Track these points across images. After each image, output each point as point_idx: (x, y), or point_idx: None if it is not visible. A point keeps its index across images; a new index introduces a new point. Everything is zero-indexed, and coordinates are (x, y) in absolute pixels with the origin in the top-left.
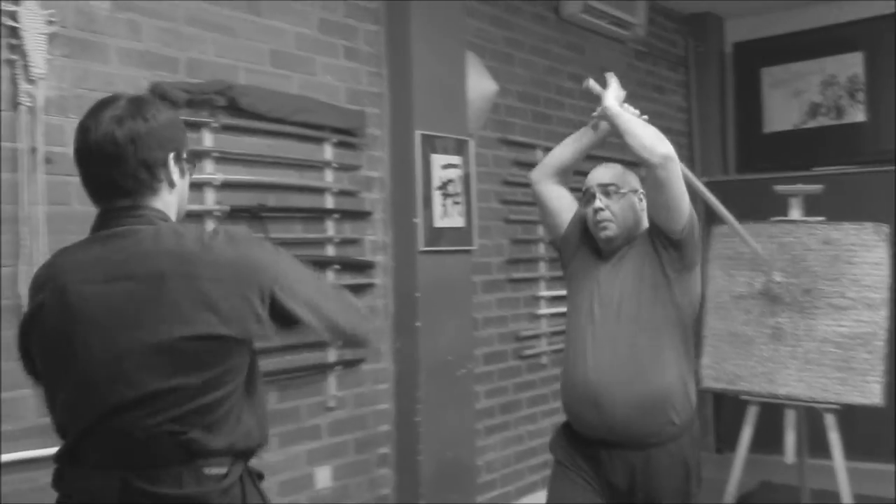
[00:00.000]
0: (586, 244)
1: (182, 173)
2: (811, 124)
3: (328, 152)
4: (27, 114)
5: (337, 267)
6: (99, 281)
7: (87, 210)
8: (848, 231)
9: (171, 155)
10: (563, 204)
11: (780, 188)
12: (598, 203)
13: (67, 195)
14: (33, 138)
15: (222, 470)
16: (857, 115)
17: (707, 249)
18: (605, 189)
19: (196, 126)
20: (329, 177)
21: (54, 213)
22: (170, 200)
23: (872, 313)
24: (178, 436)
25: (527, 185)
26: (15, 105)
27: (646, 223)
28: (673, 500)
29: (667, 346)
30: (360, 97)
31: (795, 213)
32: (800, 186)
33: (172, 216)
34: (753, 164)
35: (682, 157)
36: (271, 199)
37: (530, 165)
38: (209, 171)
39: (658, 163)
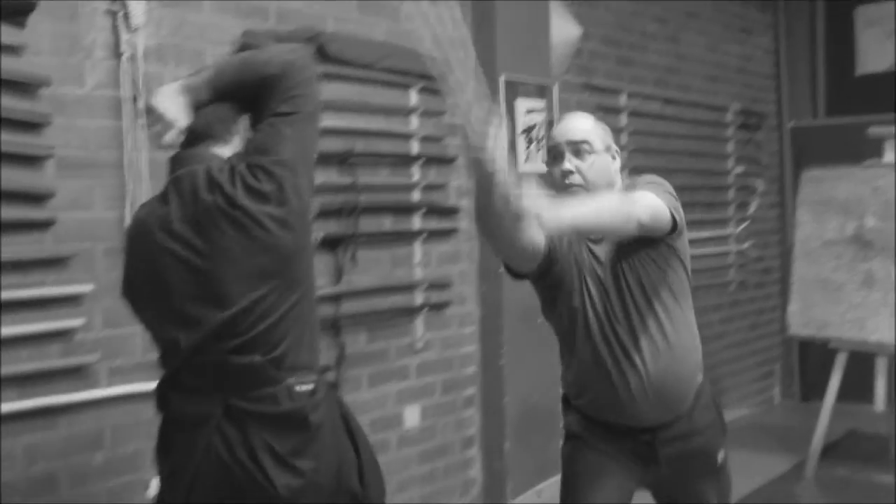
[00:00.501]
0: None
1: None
2: None
3: (413, 98)
4: (128, 62)
5: (422, 211)
6: (178, 219)
7: None
8: None
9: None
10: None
11: (873, 130)
12: (567, 165)
13: None
14: (134, 86)
15: (310, 386)
16: None
17: (796, 194)
18: (577, 147)
19: None
20: (414, 123)
21: (156, 159)
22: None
23: None
24: (267, 355)
25: (613, 129)
26: (117, 54)
27: (619, 183)
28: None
29: (685, 308)
30: (443, 43)
31: (890, 155)
32: (894, 128)
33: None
34: (844, 108)
35: (768, 101)
36: (359, 145)
37: (614, 111)
38: None
39: (636, 230)
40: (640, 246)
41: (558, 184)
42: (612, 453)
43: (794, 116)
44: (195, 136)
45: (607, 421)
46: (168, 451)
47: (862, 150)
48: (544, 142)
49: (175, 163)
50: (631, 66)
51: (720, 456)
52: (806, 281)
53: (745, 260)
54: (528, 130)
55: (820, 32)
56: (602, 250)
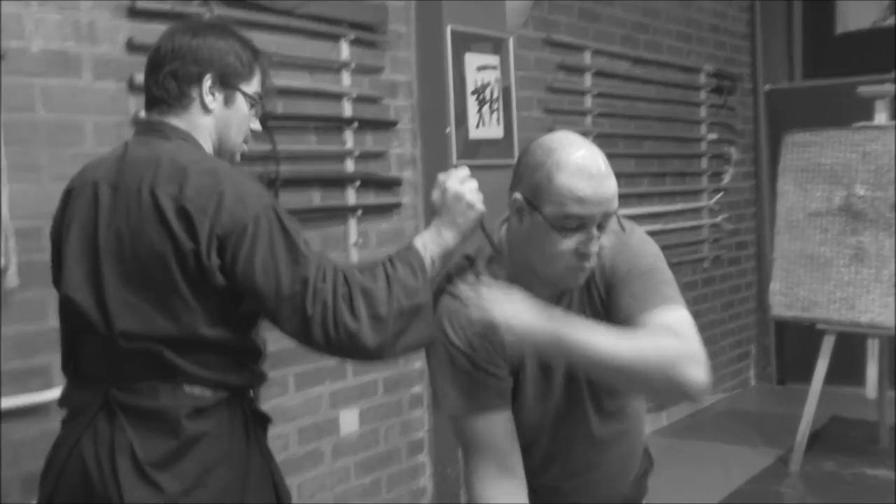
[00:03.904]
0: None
1: (226, 102)
2: (892, 21)
3: (345, 51)
4: None
5: (357, 184)
6: (110, 184)
7: (53, 118)
8: None
9: (209, 76)
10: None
11: (863, 90)
12: (593, 246)
13: (31, 100)
14: None
15: (205, 391)
16: None
17: (773, 162)
18: (608, 217)
19: (183, 17)
20: (346, 80)
21: (14, 121)
22: (200, 123)
23: None
24: (159, 355)
25: (576, 91)
26: None
27: None
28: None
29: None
30: None
31: (881, 117)
32: (887, 87)
33: (202, 140)
34: (824, 69)
35: (741, 64)
36: (279, 106)
37: (578, 70)
38: None
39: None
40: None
41: (561, 263)
42: None
43: (770, 79)
44: (148, 101)
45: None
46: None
47: (844, 114)
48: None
49: (136, 128)
50: (596, 20)
51: None
52: (789, 257)
53: (720, 234)
54: (480, 91)
55: None
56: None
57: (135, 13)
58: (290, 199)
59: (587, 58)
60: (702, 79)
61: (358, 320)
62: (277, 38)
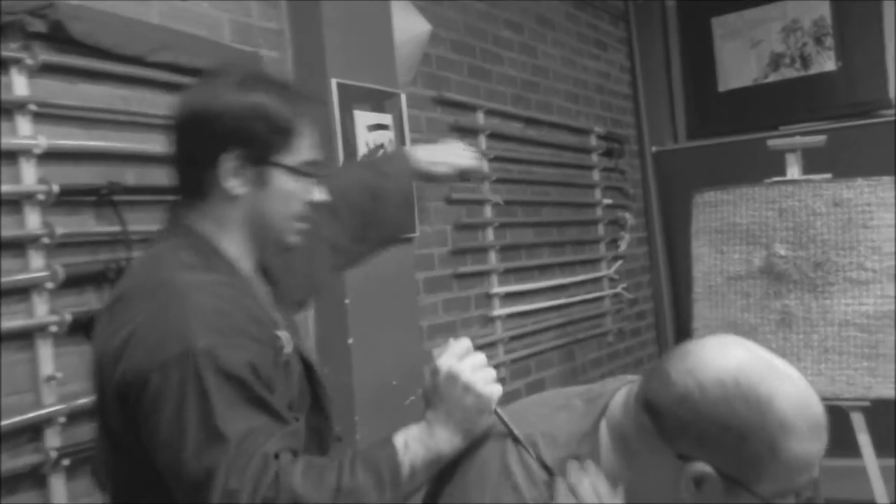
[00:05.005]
0: None
1: (258, 182)
2: (774, 78)
3: None
4: None
5: None
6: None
7: None
8: (862, 188)
9: (233, 154)
10: None
11: (774, 143)
12: None
13: None
14: None
15: None
16: (826, 63)
17: (690, 222)
18: None
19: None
20: None
21: None
22: (226, 215)
23: None
24: None
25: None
26: None
27: None
28: None
29: None
30: (251, 34)
31: (794, 171)
32: (798, 139)
33: (230, 236)
34: (709, 128)
35: (627, 126)
36: (129, 176)
37: (472, 132)
38: (24, 132)
39: None
40: None
41: None
42: None
43: (656, 140)
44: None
45: None
46: None
47: (738, 172)
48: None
49: None
50: (486, 79)
51: None
52: (711, 325)
53: (621, 305)
54: (373, 153)
55: (675, 48)
56: None
57: None
58: None
59: (480, 118)
60: (593, 141)
61: None
62: (124, 92)
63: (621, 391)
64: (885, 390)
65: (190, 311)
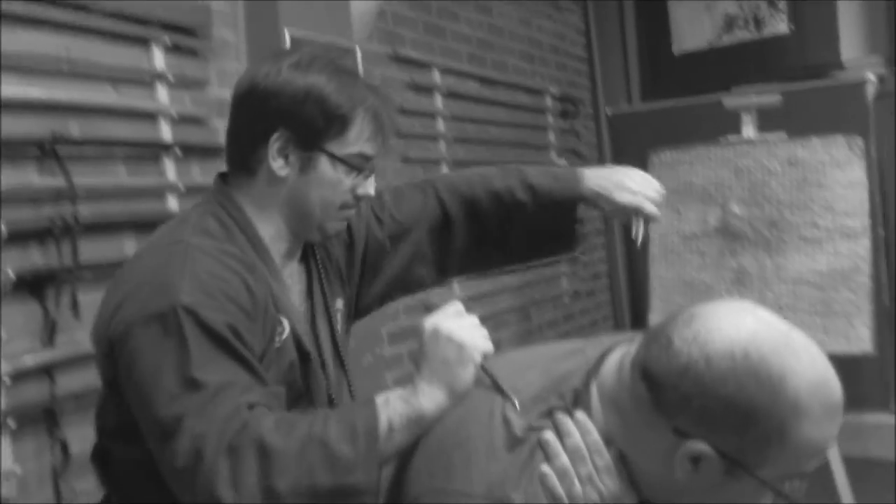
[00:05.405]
0: None
1: (303, 167)
2: (727, 40)
3: (158, 59)
4: None
5: None
6: None
7: None
8: (816, 147)
9: (278, 133)
10: None
11: (729, 101)
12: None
13: None
14: None
15: None
16: (779, 25)
17: None
18: None
19: None
20: (163, 95)
21: None
22: (267, 193)
23: (852, 244)
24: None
25: (427, 113)
26: None
27: None
28: None
29: None
30: None
31: (749, 131)
32: (754, 98)
33: (268, 217)
34: (664, 90)
35: (581, 87)
36: (73, 128)
37: (427, 90)
38: None
39: None
40: None
41: None
42: None
43: (611, 101)
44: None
45: None
46: None
47: (691, 134)
48: None
49: None
50: (442, 36)
51: None
52: (667, 285)
53: (576, 266)
54: None
55: (629, 10)
56: None
57: None
58: (95, 249)
59: (436, 76)
60: (548, 102)
61: (237, 490)
62: (68, 41)
63: (615, 353)
64: (837, 346)
65: (187, 271)
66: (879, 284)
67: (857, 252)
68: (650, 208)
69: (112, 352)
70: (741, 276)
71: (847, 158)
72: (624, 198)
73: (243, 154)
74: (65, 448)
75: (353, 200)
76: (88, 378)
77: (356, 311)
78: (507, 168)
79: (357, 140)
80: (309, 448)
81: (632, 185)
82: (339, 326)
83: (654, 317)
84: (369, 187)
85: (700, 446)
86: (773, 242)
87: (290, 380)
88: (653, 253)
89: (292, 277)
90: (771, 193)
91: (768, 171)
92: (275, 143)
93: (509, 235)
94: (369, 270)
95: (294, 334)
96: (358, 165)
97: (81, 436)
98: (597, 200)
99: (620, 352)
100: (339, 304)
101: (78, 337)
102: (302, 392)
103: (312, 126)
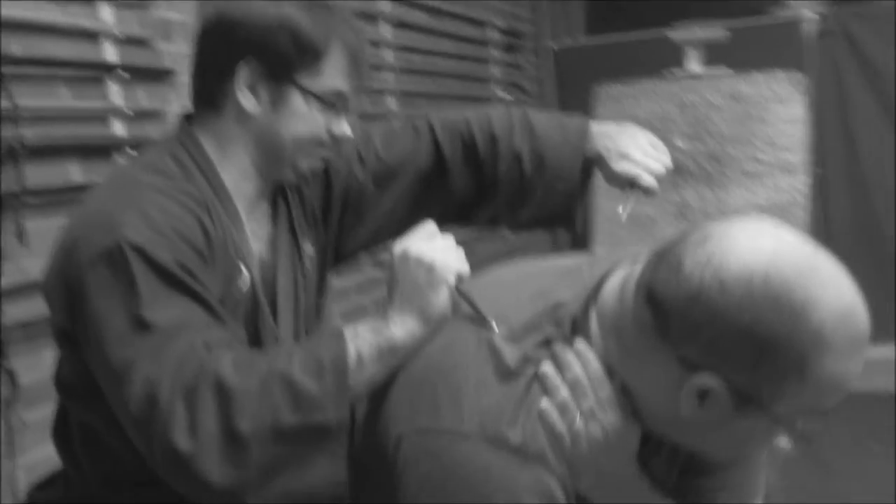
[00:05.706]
0: None
1: (274, 102)
2: None
3: None
4: None
5: (129, 152)
6: None
7: None
8: (759, 83)
9: (251, 65)
10: None
11: (675, 35)
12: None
13: None
14: None
15: None
16: None
17: (592, 115)
18: None
19: None
20: (106, 13)
21: None
22: (234, 133)
23: (791, 179)
24: None
25: (374, 42)
26: None
27: None
28: None
29: None
30: None
31: (694, 66)
32: (700, 32)
33: (235, 157)
34: (607, 25)
35: (524, 21)
36: (13, 46)
37: (371, 17)
38: None
39: None
40: None
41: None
42: None
43: (554, 36)
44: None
45: None
46: None
47: (643, 69)
48: None
49: None
50: None
51: None
52: (610, 218)
53: None
54: None
55: None
56: None
57: None
58: (40, 174)
59: (385, 5)
60: (492, 34)
61: (195, 436)
62: None
63: (617, 274)
64: None
65: (134, 207)
66: (815, 217)
67: (795, 186)
68: (648, 181)
69: (70, 302)
70: (683, 209)
71: (789, 94)
72: (622, 167)
73: (209, 88)
74: (13, 378)
75: (329, 139)
76: (36, 307)
77: (338, 256)
78: (512, 112)
79: (332, 74)
80: (272, 385)
81: (635, 153)
82: (306, 273)
83: (599, 249)
84: (345, 127)
85: (709, 380)
86: (714, 176)
87: (251, 331)
88: (596, 186)
89: (259, 221)
90: (714, 128)
91: (712, 106)
92: (243, 76)
93: (514, 205)
94: (351, 213)
95: (252, 281)
96: (332, 101)
97: (30, 365)
98: (598, 163)
99: (623, 272)
100: (310, 249)
101: (25, 265)
102: (253, 343)
103: (284, 57)
